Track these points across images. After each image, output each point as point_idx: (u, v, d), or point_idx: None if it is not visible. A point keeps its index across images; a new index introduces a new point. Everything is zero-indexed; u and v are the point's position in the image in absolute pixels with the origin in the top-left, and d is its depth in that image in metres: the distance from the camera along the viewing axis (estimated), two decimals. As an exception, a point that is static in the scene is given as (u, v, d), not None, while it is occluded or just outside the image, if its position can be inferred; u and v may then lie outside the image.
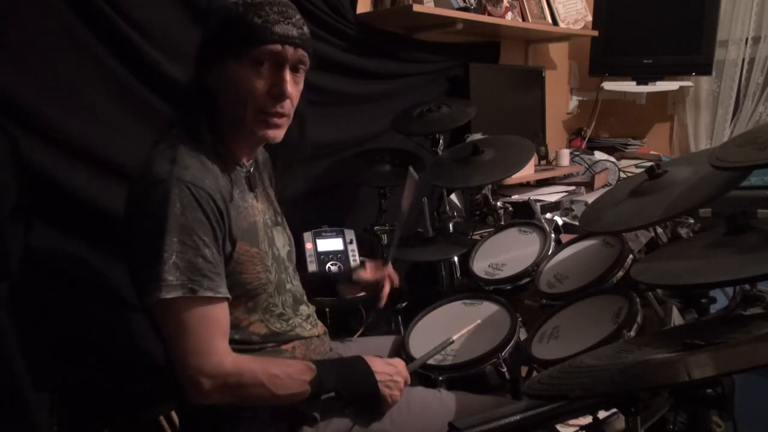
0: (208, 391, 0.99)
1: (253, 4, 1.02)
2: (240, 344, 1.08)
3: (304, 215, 1.90)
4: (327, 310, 1.63)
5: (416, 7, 2.05)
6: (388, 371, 1.13)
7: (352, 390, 1.09)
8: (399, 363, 1.17)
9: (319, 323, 1.27)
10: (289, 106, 1.08)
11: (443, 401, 1.16)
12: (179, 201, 0.96)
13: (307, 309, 1.23)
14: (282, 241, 1.21)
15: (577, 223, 1.99)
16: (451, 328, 1.35)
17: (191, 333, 0.98)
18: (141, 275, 0.99)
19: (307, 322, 1.21)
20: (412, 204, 1.48)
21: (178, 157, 1.00)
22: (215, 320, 1.00)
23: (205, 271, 0.98)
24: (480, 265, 1.63)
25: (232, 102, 1.06)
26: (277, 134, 1.10)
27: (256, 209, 1.14)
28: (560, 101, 3.37)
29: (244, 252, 1.07)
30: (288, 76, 1.05)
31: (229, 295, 1.03)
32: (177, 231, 0.96)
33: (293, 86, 1.07)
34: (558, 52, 3.28)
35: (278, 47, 1.03)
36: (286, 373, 1.04)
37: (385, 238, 2.01)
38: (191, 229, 0.97)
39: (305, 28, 1.07)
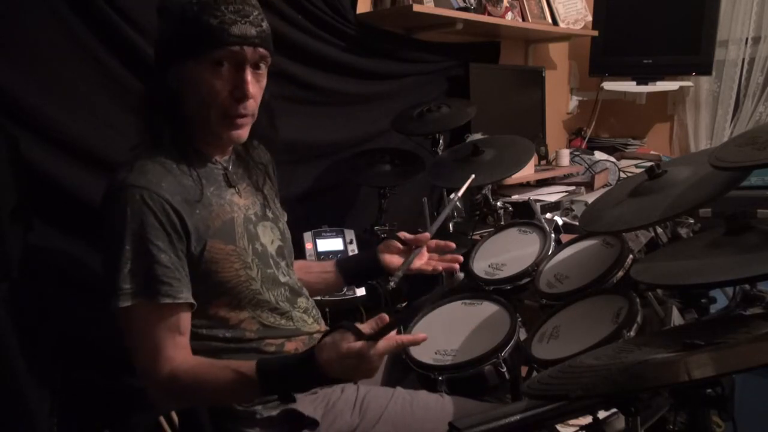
0: (158, 397, 1.03)
1: (208, 3, 0.99)
2: (234, 342, 1.08)
3: (304, 215, 1.90)
4: (327, 310, 1.63)
5: (416, 7, 2.05)
6: (341, 364, 0.92)
7: (305, 389, 1.05)
8: (359, 349, 0.91)
9: (322, 322, 1.27)
10: (253, 106, 1.07)
11: (445, 406, 1.15)
12: (130, 208, 0.97)
13: (306, 301, 1.22)
14: (270, 236, 1.18)
15: (577, 223, 1.99)
16: (451, 328, 1.35)
17: (143, 340, 0.99)
18: (103, 283, 1.00)
19: (307, 315, 1.20)
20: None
21: (136, 164, 1.01)
22: (169, 326, 1.00)
23: (161, 277, 0.97)
24: (480, 265, 1.62)
25: (194, 103, 1.05)
26: (242, 134, 1.09)
27: (236, 205, 1.12)
28: (560, 101, 3.37)
29: (218, 250, 1.06)
30: (249, 76, 1.03)
31: (191, 300, 1.01)
32: (129, 238, 0.97)
33: (255, 85, 1.05)
34: (558, 52, 3.28)
35: (237, 48, 1.00)
36: (223, 383, 0.98)
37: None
38: (143, 235, 0.97)
39: (264, 24, 1.05)
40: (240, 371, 0.97)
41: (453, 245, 1.35)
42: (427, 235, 1.32)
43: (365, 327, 0.95)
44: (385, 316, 0.94)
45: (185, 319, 1.02)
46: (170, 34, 1.03)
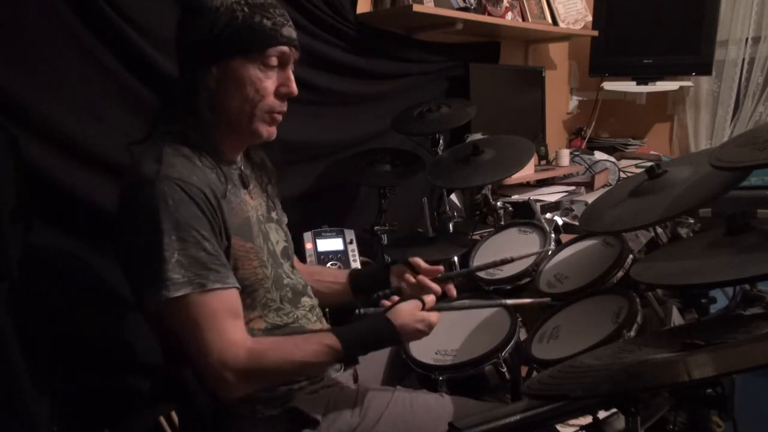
0: (233, 384, 0.99)
1: (256, 5, 1.05)
2: None
3: (304, 215, 1.90)
4: (327, 310, 1.63)
5: (416, 7, 2.05)
6: (414, 326, 1.09)
7: (377, 350, 1.13)
8: (428, 317, 1.11)
9: (324, 320, 1.27)
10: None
11: (446, 406, 1.15)
12: (171, 198, 0.96)
13: (310, 300, 1.23)
14: (277, 236, 1.20)
15: (577, 223, 1.99)
16: (452, 328, 1.35)
17: (205, 329, 0.98)
18: (141, 277, 0.99)
19: (311, 313, 1.21)
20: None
21: (164, 157, 1.01)
22: (227, 311, 1.01)
23: (209, 264, 0.98)
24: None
25: (235, 100, 1.07)
26: (275, 132, 1.13)
27: (249, 205, 1.14)
28: (560, 101, 3.37)
29: (239, 247, 1.07)
30: (292, 75, 1.10)
31: (238, 285, 1.03)
32: (174, 228, 0.96)
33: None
34: (558, 52, 3.28)
35: (286, 49, 1.07)
36: (311, 356, 1.03)
37: (385, 238, 2.01)
38: (188, 224, 0.97)
39: None
40: (323, 342, 1.04)
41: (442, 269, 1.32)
42: (441, 268, 1.30)
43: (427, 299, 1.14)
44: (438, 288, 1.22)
45: (238, 302, 1.04)
46: (217, 33, 1.04)
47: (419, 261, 1.30)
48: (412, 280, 1.28)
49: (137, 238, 0.98)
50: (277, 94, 1.09)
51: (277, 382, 1.09)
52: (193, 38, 1.07)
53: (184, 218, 0.97)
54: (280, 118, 1.12)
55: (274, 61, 1.07)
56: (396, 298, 1.18)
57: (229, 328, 1.00)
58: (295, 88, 1.10)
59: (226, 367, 0.98)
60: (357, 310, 1.18)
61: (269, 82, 1.07)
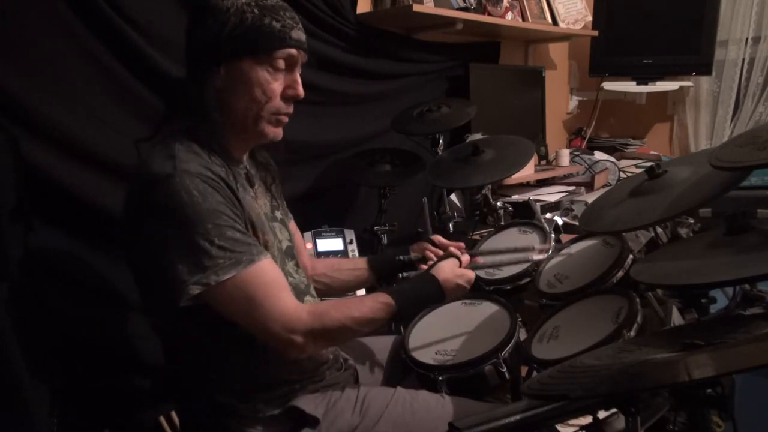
0: (302, 345, 1.03)
1: (266, 8, 1.06)
2: (244, 339, 1.07)
3: (304, 215, 1.90)
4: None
5: (416, 7, 2.05)
6: (455, 281, 1.20)
7: (426, 306, 1.28)
8: (466, 272, 1.23)
9: None
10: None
11: (446, 406, 1.15)
12: (195, 190, 0.97)
13: (312, 299, 1.23)
14: (281, 236, 1.21)
15: (577, 223, 1.99)
16: (452, 328, 1.35)
17: (263, 300, 1.00)
18: (176, 273, 0.96)
19: None
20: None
21: (177, 153, 1.01)
22: (275, 280, 1.04)
23: (248, 240, 1.02)
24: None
25: (242, 101, 1.07)
26: (281, 133, 1.14)
27: (257, 203, 1.15)
28: (560, 101, 3.37)
29: (258, 239, 1.08)
30: (299, 78, 1.11)
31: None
32: (207, 217, 0.97)
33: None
34: (558, 52, 3.28)
35: (294, 51, 1.08)
36: (369, 312, 1.09)
37: (385, 238, 2.01)
38: (218, 210, 0.99)
39: None
40: (378, 300, 1.11)
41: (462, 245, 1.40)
42: (462, 245, 1.38)
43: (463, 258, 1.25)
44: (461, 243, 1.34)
45: (279, 269, 1.08)
46: (226, 33, 1.04)
47: (440, 238, 1.39)
48: (437, 251, 1.36)
49: (163, 236, 0.97)
50: (284, 97, 1.10)
51: (342, 340, 1.19)
52: (202, 38, 1.07)
53: (213, 206, 0.98)
54: (285, 119, 1.13)
55: (281, 63, 1.07)
56: (424, 266, 1.29)
57: (284, 296, 1.04)
58: (302, 91, 1.11)
59: (294, 331, 1.02)
60: (400, 275, 1.31)
61: (276, 84, 1.08)
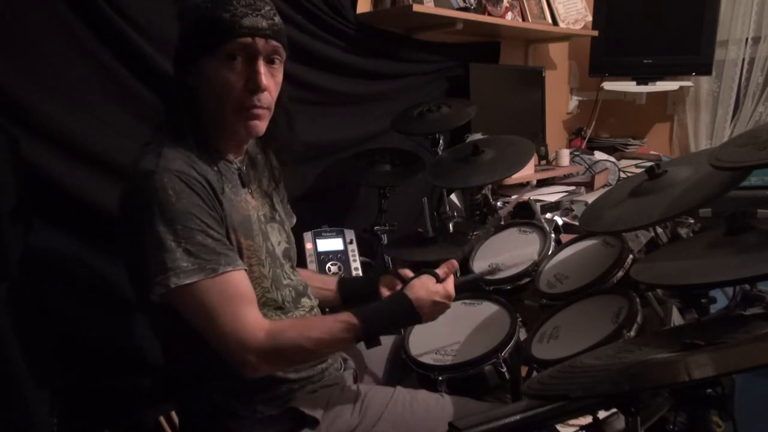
0: (255, 364, 0.99)
1: (222, 0, 1.02)
2: None
3: (304, 215, 1.90)
4: (327, 310, 1.63)
5: (416, 7, 2.05)
6: (430, 299, 1.12)
7: (397, 328, 1.17)
8: (444, 287, 1.15)
9: None
10: (267, 99, 1.08)
11: (445, 406, 1.15)
12: (171, 189, 0.96)
13: (309, 301, 1.23)
14: (278, 237, 1.20)
15: (577, 223, 1.99)
16: (452, 328, 1.35)
17: (221, 314, 0.97)
18: (148, 269, 0.97)
19: (310, 314, 1.21)
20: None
21: (163, 152, 1.01)
22: (240, 294, 1.00)
23: (218, 249, 0.99)
24: (480, 265, 1.63)
25: (211, 100, 1.06)
26: (259, 126, 1.09)
27: (250, 204, 1.14)
28: (560, 101, 3.37)
29: (239, 243, 1.07)
30: (262, 68, 1.04)
31: (245, 266, 1.03)
32: (178, 218, 0.96)
33: (269, 78, 1.06)
34: (558, 52, 3.28)
35: (248, 40, 1.02)
36: (327, 332, 1.04)
37: (385, 238, 2.01)
38: (191, 213, 0.97)
39: (276, 19, 1.07)
40: (339, 318, 1.06)
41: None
42: (455, 263, 1.28)
43: (439, 271, 1.17)
44: (454, 261, 1.20)
45: (249, 284, 1.04)
46: (188, 34, 1.06)
47: (407, 272, 1.28)
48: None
49: (141, 231, 0.97)
50: (246, 89, 1.04)
51: (300, 361, 1.09)
52: (178, 41, 1.08)
53: (187, 207, 0.97)
54: (259, 112, 1.07)
55: (237, 54, 1.03)
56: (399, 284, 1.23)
57: (245, 311, 1.00)
58: (261, 81, 1.03)
59: (247, 349, 0.98)
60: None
61: (233, 77, 1.03)
